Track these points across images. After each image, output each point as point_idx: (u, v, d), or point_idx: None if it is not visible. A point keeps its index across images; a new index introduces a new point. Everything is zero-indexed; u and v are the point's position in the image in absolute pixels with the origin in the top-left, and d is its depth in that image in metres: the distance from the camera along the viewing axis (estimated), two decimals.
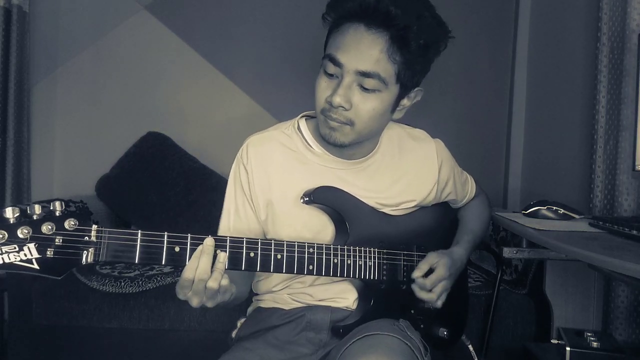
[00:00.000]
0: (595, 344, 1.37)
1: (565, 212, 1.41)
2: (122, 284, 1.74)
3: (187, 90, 2.49)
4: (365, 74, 0.94)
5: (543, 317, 1.68)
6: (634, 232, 1.08)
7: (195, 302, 0.89)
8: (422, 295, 1.05)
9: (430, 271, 1.05)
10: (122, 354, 1.76)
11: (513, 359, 1.72)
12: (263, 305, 1.15)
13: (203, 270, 0.85)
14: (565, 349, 1.37)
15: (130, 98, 2.46)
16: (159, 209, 2.17)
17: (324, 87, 0.98)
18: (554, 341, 1.50)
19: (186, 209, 2.16)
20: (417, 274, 1.04)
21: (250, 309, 1.20)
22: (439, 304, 1.07)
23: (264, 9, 2.49)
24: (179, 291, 0.89)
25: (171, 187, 2.20)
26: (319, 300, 1.09)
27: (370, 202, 1.09)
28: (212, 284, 0.86)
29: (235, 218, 1.09)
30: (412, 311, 1.10)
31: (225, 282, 0.87)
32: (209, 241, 0.86)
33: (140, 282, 1.75)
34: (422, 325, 1.09)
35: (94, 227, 0.80)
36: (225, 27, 2.48)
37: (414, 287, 1.05)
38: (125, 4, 2.44)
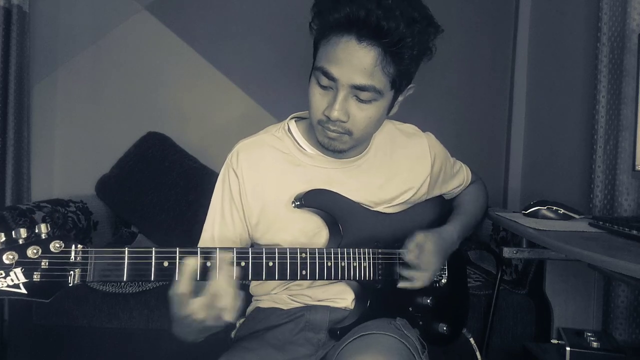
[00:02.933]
0: (595, 344, 1.37)
1: (565, 212, 1.41)
2: (122, 284, 1.74)
3: (187, 90, 2.49)
4: (360, 87, 0.93)
5: (543, 317, 1.68)
6: (634, 232, 1.08)
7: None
8: (413, 274, 1.04)
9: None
10: (122, 354, 1.75)
11: (513, 359, 1.72)
12: (262, 305, 1.15)
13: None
14: (565, 349, 1.37)
15: (130, 98, 2.46)
16: (159, 209, 2.17)
17: (319, 98, 0.97)
18: (554, 341, 1.50)
19: (186, 209, 2.16)
20: (409, 255, 1.04)
21: (249, 309, 1.20)
22: (426, 281, 1.06)
23: (263, 9, 2.49)
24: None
25: (171, 187, 2.20)
26: (318, 301, 1.09)
27: (364, 201, 1.09)
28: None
29: (221, 224, 1.08)
30: (410, 309, 1.10)
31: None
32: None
33: (140, 282, 1.75)
34: (420, 323, 1.09)
35: (80, 247, 0.79)
36: (225, 27, 2.48)
37: (402, 270, 1.05)
38: (125, 4, 2.44)
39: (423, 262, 1.04)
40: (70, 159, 2.46)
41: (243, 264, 0.90)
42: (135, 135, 2.33)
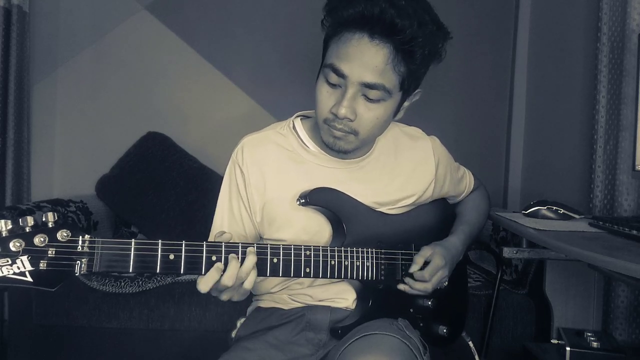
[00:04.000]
0: (595, 344, 1.37)
1: (565, 212, 1.41)
2: (122, 284, 1.74)
3: (187, 90, 2.49)
4: (369, 86, 0.93)
5: (543, 317, 1.68)
6: (634, 232, 1.08)
7: (225, 297, 0.93)
8: (417, 286, 1.04)
9: (425, 264, 1.05)
10: (122, 354, 1.76)
11: (513, 359, 1.72)
12: (263, 305, 1.15)
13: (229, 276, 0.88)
14: (565, 349, 1.37)
15: (130, 98, 2.46)
16: (159, 208, 2.17)
17: (326, 96, 0.97)
18: (554, 341, 1.50)
19: (186, 209, 2.16)
20: (414, 268, 1.04)
21: (250, 309, 1.20)
22: (430, 290, 1.06)
23: (263, 9, 2.49)
24: (213, 291, 0.92)
25: (171, 187, 2.20)
26: (319, 301, 1.09)
27: (367, 201, 1.09)
28: (248, 285, 0.90)
29: (230, 219, 1.09)
30: (411, 310, 1.10)
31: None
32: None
33: (140, 282, 1.75)
34: (421, 324, 1.09)
35: (87, 237, 0.80)
36: (225, 27, 2.48)
37: (408, 280, 1.05)
38: (125, 4, 2.44)
39: (429, 272, 1.04)
40: (70, 159, 2.46)
41: None
42: (135, 135, 2.33)
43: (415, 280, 1.05)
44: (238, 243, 0.90)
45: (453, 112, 2.53)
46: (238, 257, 0.88)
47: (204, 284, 0.87)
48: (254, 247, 0.91)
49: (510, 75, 2.55)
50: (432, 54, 0.96)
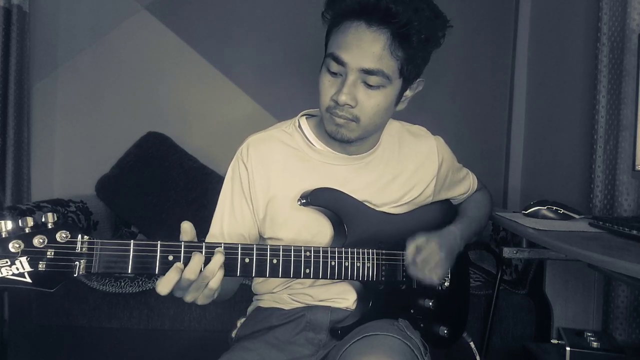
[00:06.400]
0: (595, 344, 1.37)
1: (565, 212, 1.41)
2: (122, 284, 1.74)
3: (187, 90, 2.49)
4: (368, 72, 0.95)
5: (543, 317, 1.68)
6: (634, 232, 1.08)
7: (189, 298, 0.87)
8: (411, 271, 1.04)
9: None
10: (122, 354, 1.76)
11: (513, 359, 1.72)
12: (263, 305, 1.15)
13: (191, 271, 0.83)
14: (565, 349, 1.37)
15: (130, 98, 2.46)
16: (159, 208, 2.17)
17: (328, 85, 0.99)
18: (554, 341, 1.50)
19: (186, 209, 2.16)
20: (407, 256, 1.03)
21: (250, 309, 1.20)
22: (435, 278, 1.04)
23: (264, 9, 2.49)
24: (176, 291, 0.86)
25: (171, 187, 2.20)
26: (320, 301, 1.09)
27: (370, 198, 1.09)
28: (213, 285, 0.85)
29: (230, 216, 1.08)
30: (412, 311, 1.09)
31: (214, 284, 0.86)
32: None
33: (140, 282, 1.75)
34: (421, 325, 1.09)
35: (86, 238, 0.80)
36: (225, 27, 2.48)
37: (408, 266, 1.04)
38: (125, 4, 2.44)
39: (422, 258, 1.03)
40: (70, 159, 2.45)
41: (247, 260, 0.89)
42: (135, 135, 2.33)
43: (411, 266, 1.03)
44: (237, 244, 0.89)
45: (453, 112, 2.52)
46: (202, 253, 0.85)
47: (163, 285, 0.81)
48: (221, 246, 0.87)
49: (510, 75, 2.55)
50: (429, 40, 0.97)
